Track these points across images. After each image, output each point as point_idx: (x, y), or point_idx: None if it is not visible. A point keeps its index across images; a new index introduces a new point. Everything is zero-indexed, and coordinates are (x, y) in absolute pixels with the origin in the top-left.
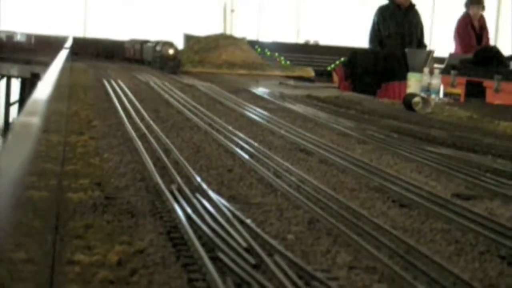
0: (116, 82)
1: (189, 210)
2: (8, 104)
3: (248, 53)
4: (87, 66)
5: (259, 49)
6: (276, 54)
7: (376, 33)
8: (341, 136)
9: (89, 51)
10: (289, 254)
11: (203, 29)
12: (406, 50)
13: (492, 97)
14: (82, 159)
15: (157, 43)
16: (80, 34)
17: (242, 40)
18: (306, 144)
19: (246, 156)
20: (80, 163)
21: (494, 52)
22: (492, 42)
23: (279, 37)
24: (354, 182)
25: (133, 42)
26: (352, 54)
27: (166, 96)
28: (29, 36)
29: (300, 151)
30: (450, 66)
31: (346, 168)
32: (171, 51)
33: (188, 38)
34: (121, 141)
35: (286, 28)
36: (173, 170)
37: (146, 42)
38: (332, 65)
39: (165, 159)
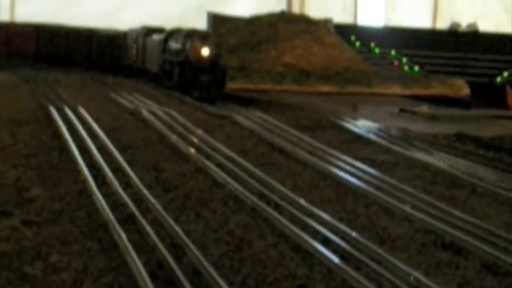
0: (75, 111)
1: None
2: None
3: (337, 50)
4: (18, 79)
5: (358, 43)
6: (393, 51)
7: None
8: None
9: (23, 52)
10: None
11: (242, 4)
12: None
13: None
14: (8, 267)
15: (169, 33)
16: (3, 16)
17: (323, 24)
18: (455, 234)
19: (335, 259)
20: (4, 275)
21: None
22: None
23: (398, 19)
24: None
25: (138, 32)
26: None
27: (174, 138)
28: None
29: (442, 249)
30: None
31: None
32: (205, 51)
33: (217, 21)
34: (85, 230)
35: (412, 2)
36: None
37: (151, 32)
38: (506, 74)
39: (173, 264)
